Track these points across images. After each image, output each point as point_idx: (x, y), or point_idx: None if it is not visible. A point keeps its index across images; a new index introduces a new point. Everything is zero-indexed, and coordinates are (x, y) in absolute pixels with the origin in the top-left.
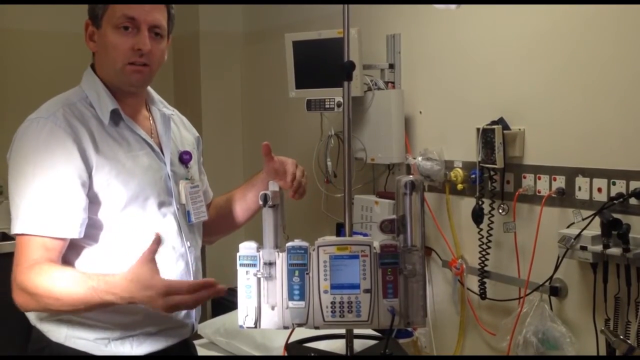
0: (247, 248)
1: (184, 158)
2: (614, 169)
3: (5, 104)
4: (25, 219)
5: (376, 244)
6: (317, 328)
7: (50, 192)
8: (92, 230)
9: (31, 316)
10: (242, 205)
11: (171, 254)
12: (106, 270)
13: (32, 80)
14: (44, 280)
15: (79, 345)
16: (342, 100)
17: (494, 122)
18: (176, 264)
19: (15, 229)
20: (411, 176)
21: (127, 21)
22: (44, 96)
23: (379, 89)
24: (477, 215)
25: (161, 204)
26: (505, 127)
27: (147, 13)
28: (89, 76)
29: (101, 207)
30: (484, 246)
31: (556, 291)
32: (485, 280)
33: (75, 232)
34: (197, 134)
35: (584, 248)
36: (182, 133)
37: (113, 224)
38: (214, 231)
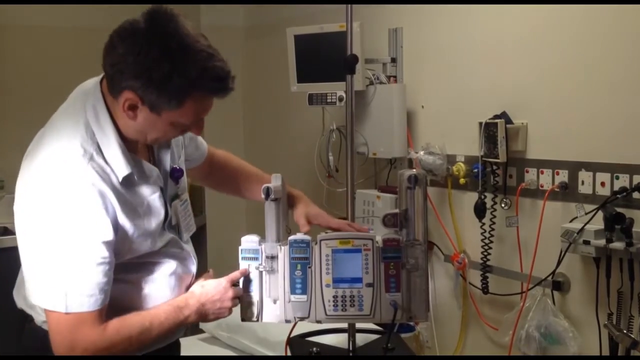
0: (249, 241)
1: (174, 175)
2: (617, 163)
3: (6, 101)
4: (76, 297)
5: (378, 238)
6: (319, 322)
7: (91, 266)
8: None
9: (36, 316)
10: (247, 194)
11: (179, 270)
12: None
13: (31, 76)
14: (129, 325)
15: None
16: (344, 95)
17: (496, 116)
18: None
19: (67, 307)
20: (414, 170)
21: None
22: (43, 94)
23: (381, 83)
24: (480, 210)
25: (162, 231)
26: (508, 121)
27: (209, 107)
28: (101, 119)
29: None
30: (486, 240)
31: (559, 285)
32: (487, 274)
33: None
34: None
35: (586, 242)
36: (176, 141)
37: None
38: (214, 186)
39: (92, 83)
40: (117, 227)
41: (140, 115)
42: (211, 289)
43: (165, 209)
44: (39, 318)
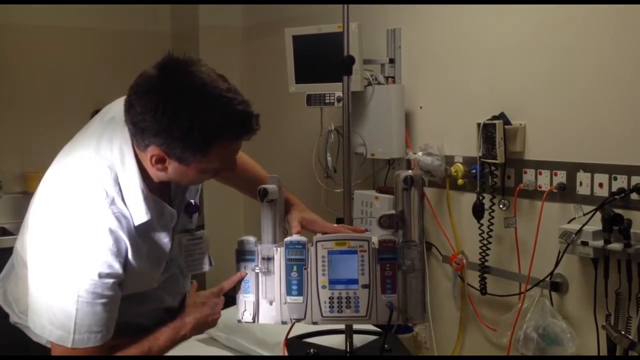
0: (245, 243)
1: (189, 210)
2: (615, 164)
3: (4, 103)
4: (83, 334)
5: (374, 239)
6: (315, 323)
7: (101, 305)
8: None
9: (12, 315)
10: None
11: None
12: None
13: (30, 77)
14: (132, 350)
15: None
16: (342, 95)
17: (494, 117)
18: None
19: (73, 342)
20: (410, 171)
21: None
22: (42, 96)
23: (379, 83)
24: (478, 211)
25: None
26: (506, 122)
27: (239, 148)
28: (127, 162)
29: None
30: (485, 241)
31: (557, 286)
32: (485, 275)
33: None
34: None
35: (585, 243)
36: None
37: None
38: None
39: (121, 115)
40: (126, 269)
41: (170, 167)
42: (202, 307)
43: (171, 244)
44: (14, 317)
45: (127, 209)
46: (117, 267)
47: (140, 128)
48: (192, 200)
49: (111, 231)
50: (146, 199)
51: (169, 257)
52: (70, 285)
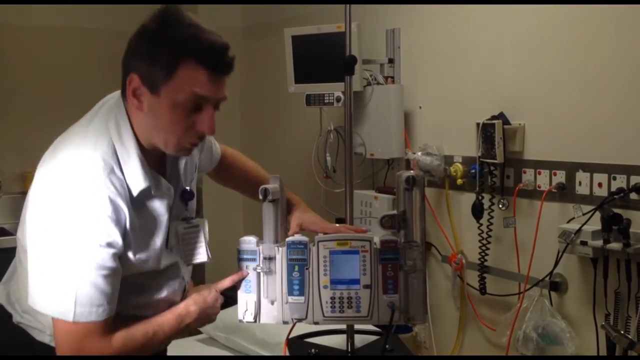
0: (247, 242)
1: (185, 197)
2: (614, 163)
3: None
4: (85, 307)
5: (376, 240)
6: (316, 323)
7: (101, 276)
8: None
9: (15, 315)
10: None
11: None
12: None
13: (29, 77)
14: (135, 337)
15: None
16: (341, 95)
17: (494, 117)
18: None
19: (75, 316)
20: (412, 171)
21: (194, 100)
22: (41, 97)
23: (378, 83)
24: (477, 211)
25: (166, 250)
26: (506, 122)
27: (216, 91)
28: (123, 130)
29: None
30: (484, 241)
31: (556, 286)
32: (485, 275)
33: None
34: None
35: (584, 243)
36: (190, 157)
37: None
38: (217, 181)
39: (115, 97)
40: (125, 240)
41: (145, 102)
42: (207, 296)
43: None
44: (17, 317)
45: (125, 179)
46: (117, 237)
47: (126, 59)
48: (188, 187)
49: (110, 200)
50: (143, 167)
51: (170, 243)
52: (70, 256)
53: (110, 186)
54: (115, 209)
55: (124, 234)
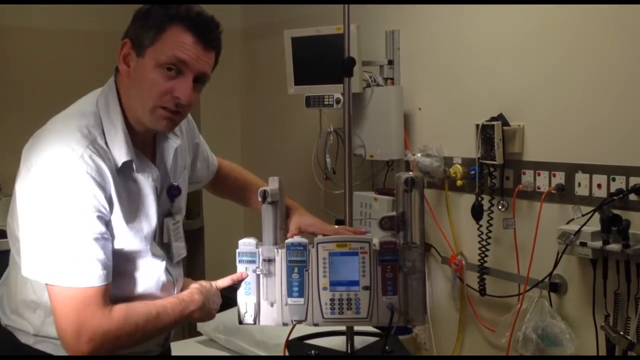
0: (246, 244)
1: (172, 193)
2: (613, 164)
3: (3, 105)
4: (79, 271)
5: (376, 241)
6: (316, 325)
7: (90, 239)
8: None
9: (3, 317)
10: (248, 204)
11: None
12: None
13: (29, 79)
14: (136, 312)
15: (49, 349)
16: (341, 97)
17: (493, 119)
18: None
19: (69, 280)
20: (411, 173)
21: (175, 63)
22: (40, 98)
23: (378, 85)
24: (477, 212)
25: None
26: (505, 123)
27: (198, 59)
28: (111, 104)
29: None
30: (484, 242)
31: (556, 287)
32: (484, 276)
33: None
34: (196, 141)
35: (583, 244)
36: (180, 155)
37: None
38: (215, 193)
39: (108, 82)
40: (111, 207)
41: (132, 66)
42: (209, 288)
43: (157, 221)
44: (4, 319)
45: (110, 151)
46: (102, 199)
47: (123, 37)
48: (175, 183)
49: (92, 160)
50: (127, 142)
51: (159, 239)
52: (58, 220)
53: (92, 149)
54: (98, 170)
55: (110, 200)
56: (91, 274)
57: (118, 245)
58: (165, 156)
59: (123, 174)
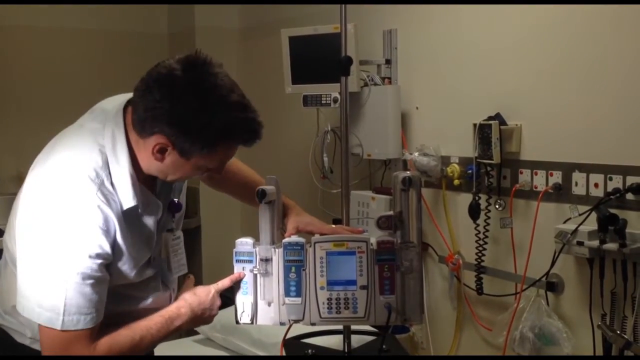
0: (243, 244)
1: (172, 209)
2: (610, 164)
3: (2, 101)
4: (73, 316)
5: (373, 241)
6: (313, 324)
7: (90, 284)
8: None
9: None
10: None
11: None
12: None
13: (29, 76)
14: (120, 342)
15: None
16: (338, 96)
17: (490, 118)
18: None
19: (63, 324)
20: (408, 172)
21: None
22: (38, 99)
23: (375, 84)
24: (474, 211)
25: (147, 261)
26: (502, 122)
27: (234, 153)
28: (117, 141)
29: None
30: (481, 242)
31: (553, 286)
32: (481, 275)
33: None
34: None
35: (580, 243)
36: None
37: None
38: (211, 186)
39: (115, 107)
40: (114, 251)
41: (169, 159)
42: (203, 297)
43: (156, 239)
44: None
45: (116, 193)
46: (106, 248)
47: (154, 115)
48: (176, 199)
49: (100, 209)
50: (134, 185)
51: (153, 254)
52: (59, 264)
53: (100, 196)
54: (105, 219)
55: (113, 245)
56: (84, 319)
57: (116, 280)
58: (166, 183)
59: (128, 212)
